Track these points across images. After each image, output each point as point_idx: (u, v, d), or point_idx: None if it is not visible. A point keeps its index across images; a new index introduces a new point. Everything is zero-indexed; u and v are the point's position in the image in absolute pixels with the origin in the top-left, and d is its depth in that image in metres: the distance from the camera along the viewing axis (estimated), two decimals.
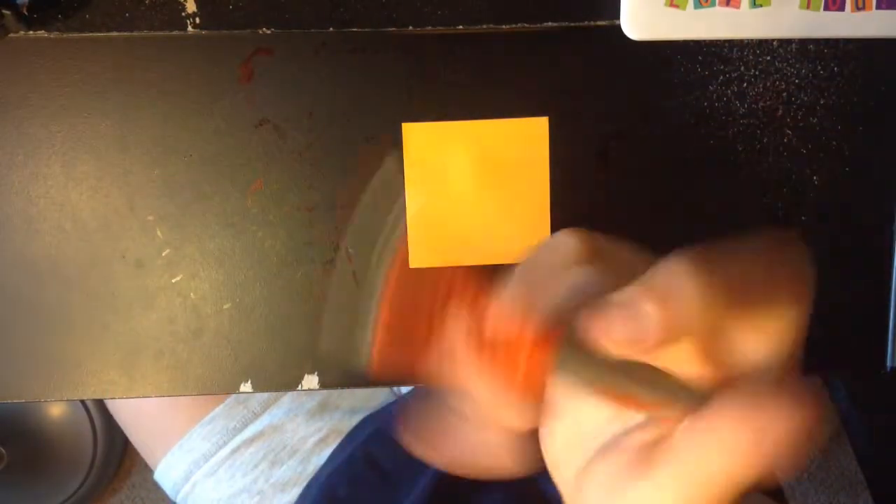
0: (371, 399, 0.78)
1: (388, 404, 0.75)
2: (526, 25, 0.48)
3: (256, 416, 0.73)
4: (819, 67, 0.49)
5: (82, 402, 1.30)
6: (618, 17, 0.46)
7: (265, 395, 0.73)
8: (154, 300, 0.50)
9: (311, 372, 0.51)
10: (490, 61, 0.48)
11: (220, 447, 0.71)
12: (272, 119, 0.49)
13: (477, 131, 0.49)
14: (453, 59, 0.48)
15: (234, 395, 0.72)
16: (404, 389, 0.80)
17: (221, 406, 0.72)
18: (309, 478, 0.72)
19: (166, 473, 0.73)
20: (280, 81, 0.48)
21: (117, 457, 1.34)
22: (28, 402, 1.29)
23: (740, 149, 0.49)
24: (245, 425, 0.72)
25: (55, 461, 1.26)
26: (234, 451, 0.71)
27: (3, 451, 1.26)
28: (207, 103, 0.48)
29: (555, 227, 0.50)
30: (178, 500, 0.74)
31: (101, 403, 1.31)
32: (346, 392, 0.76)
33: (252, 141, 0.49)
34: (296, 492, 0.72)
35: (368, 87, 0.48)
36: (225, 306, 0.50)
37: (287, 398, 0.74)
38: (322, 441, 0.73)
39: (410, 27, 0.48)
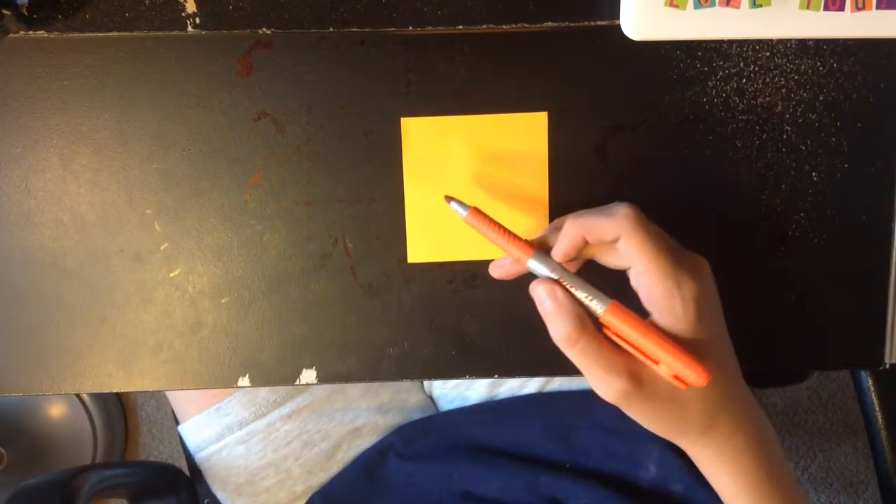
0: (406, 391, 0.77)
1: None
2: (526, 25, 0.48)
3: (299, 391, 0.72)
4: (818, 63, 0.49)
5: (82, 402, 1.30)
6: (618, 17, 0.46)
7: None
8: (152, 294, 0.50)
9: (309, 366, 0.51)
10: (490, 60, 0.48)
11: (258, 417, 0.71)
12: (271, 113, 0.49)
13: (476, 126, 0.49)
14: (452, 54, 0.48)
15: None
16: (435, 390, 0.79)
17: None
18: (333, 470, 0.72)
19: (195, 429, 0.73)
20: (279, 75, 0.48)
21: (117, 457, 1.34)
22: (27, 402, 1.30)
23: (739, 145, 0.49)
24: (286, 400, 0.71)
25: (55, 461, 1.26)
26: (270, 425, 0.71)
27: (3, 451, 1.27)
28: (206, 97, 0.48)
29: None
30: (198, 456, 0.74)
31: (101, 403, 1.31)
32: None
33: (251, 135, 0.49)
34: (322, 476, 0.71)
35: (367, 82, 0.48)
36: (223, 300, 0.50)
37: None
38: (356, 431, 0.73)
39: (410, 27, 0.48)
